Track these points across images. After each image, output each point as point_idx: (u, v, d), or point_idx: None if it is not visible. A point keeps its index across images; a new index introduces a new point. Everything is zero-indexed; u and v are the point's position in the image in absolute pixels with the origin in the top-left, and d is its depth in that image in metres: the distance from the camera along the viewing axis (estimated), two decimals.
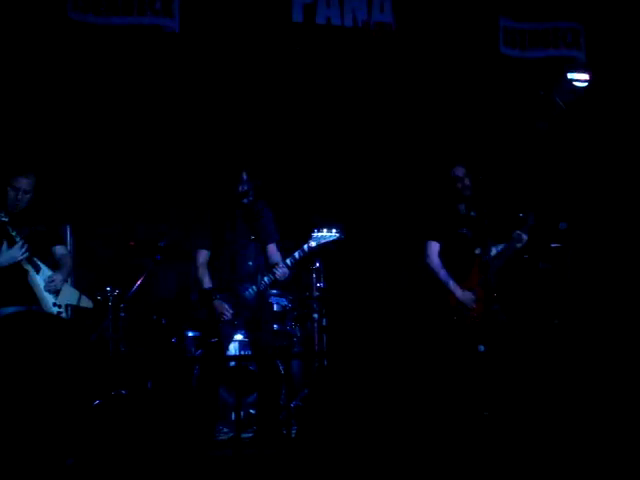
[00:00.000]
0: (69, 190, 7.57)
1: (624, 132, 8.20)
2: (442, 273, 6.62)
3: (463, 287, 6.55)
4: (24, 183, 6.16)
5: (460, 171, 6.62)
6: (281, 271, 6.18)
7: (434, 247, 6.67)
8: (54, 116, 7.53)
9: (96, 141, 7.69)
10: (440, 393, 6.40)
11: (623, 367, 7.08)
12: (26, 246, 6.04)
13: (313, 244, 6.23)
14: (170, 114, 7.86)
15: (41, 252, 6.22)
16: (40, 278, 6.14)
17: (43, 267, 6.18)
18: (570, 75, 7.89)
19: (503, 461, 5.46)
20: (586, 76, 7.94)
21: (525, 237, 6.56)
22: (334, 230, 6.24)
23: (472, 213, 6.62)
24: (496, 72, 8.01)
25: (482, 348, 6.33)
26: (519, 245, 6.57)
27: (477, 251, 6.56)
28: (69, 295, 6.28)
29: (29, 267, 6.11)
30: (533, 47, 7.85)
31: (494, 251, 6.59)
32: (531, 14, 7.84)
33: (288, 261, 6.20)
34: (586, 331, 7.53)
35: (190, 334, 6.99)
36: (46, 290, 6.13)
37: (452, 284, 6.57)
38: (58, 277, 6.20)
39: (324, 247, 6.29)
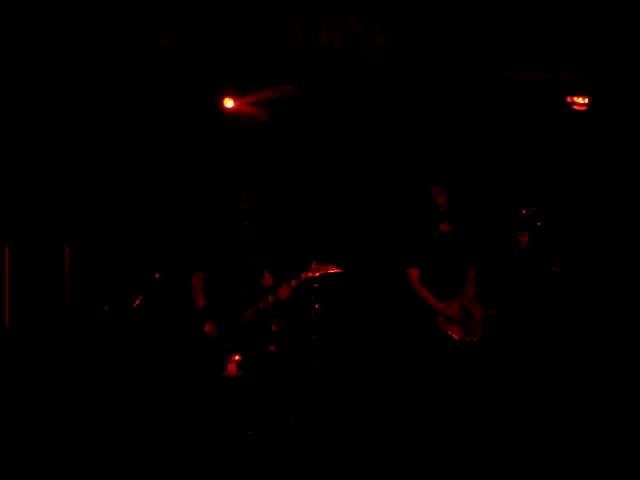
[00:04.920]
0: (67, 210, 7.56)
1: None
2: (424, 295, 6.77)
3: (453, 302, 6.70)
4: None
5: (435, 190, 6.80)
6: (285, 292, 6.32)
7: (414, 273, 6.83)
8: (52, 137, 7.52)
9: (95, 161, 7.68)
10: (433, 409, 6.50)
11: (622, 370, 7.16)
12: None
13: (311, 275, 6.32)
14: (171, 135, 7.85)
15: None
16: None
17: None
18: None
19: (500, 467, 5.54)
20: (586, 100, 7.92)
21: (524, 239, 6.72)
22: (333, 264, 6.33)
23: (452, 229, 6.78)
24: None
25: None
26: (518, 248, 6.74)
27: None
28: None
29: None
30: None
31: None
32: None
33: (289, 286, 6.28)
34: (585, 333, 7.59)
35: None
36: None
37: (434, 303, 6.72)
38: None
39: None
